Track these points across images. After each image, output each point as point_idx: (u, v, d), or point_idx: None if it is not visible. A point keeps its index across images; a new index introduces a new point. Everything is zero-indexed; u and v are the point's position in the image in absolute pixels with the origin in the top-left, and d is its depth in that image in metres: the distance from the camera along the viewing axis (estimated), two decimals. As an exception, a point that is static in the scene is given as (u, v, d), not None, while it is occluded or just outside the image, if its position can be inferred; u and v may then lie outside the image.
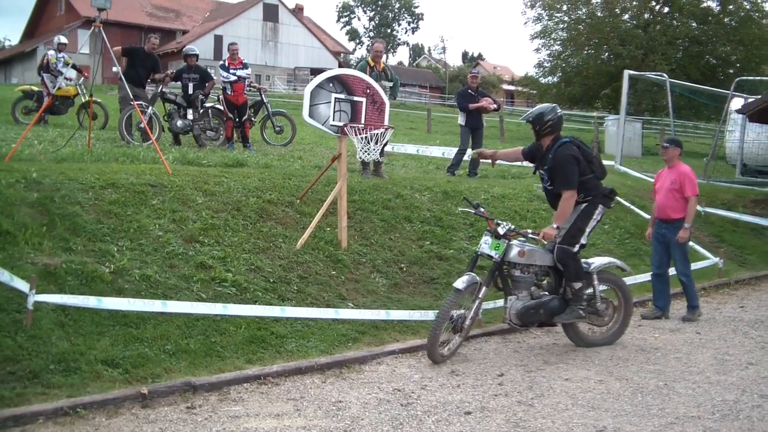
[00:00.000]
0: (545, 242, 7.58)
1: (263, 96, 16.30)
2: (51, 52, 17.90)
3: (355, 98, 9.44)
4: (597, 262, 8.10)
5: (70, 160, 10.12)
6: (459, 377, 6.88)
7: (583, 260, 7.90)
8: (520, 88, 58.88)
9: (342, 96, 9.36)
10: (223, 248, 8.40)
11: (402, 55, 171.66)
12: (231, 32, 57.62)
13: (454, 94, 66.84)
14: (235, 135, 15.22)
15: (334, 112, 9.32)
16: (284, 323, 7.53)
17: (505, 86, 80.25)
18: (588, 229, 7.75)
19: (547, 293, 7.75)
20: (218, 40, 58.14)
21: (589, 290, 7.94)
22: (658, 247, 9.86)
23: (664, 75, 21.44)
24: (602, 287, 8.15)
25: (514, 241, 7.55)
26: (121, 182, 8.95)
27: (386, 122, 9.73)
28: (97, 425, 5.35)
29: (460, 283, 7.25)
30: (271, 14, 63.49)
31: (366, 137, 9.46)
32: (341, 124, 9.30)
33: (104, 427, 5.32)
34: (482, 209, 7.86)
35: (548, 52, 45.45)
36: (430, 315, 8.20)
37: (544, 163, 7.71)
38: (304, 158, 14.02)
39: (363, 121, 9.44)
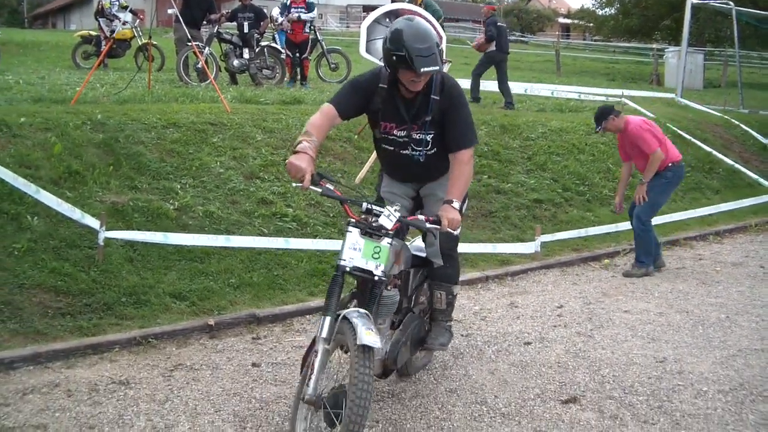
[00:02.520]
0: (454, 232, 4.68)
1: (317, 34, 16.29)
2: None
3: (412, 33, 9.36)
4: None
5: (132, 102, 10.27)
6: (518, 309, 6.94)
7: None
8: (576, 21, 57.67)
9: (398, 31, 9.29)
10: (283, 184, 8.51)
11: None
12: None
13: (508, 28, 65.81)
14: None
15: (391, 47, 9.25)
16: (344, 257, 7.64)
17: (561, 20, 78.64)
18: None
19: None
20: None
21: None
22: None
23: (730, 2, 20.79)
24: None
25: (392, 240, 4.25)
26: (182, 122, 9.08)
27: (443, 56, 9.65)
28: (168, 354, 5.56)
29: (324, 335, 4.00)
30: (323, -49, 62.81)
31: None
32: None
33: (175, 356, 5.52)
34: (330, 185, 4.22)
35: (607, -18, 44.40)
36: (489, 248, 8.26)
37: (421, 114, 4.62)
38: (360, 95, 13.99)
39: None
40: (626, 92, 17.26)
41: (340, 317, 3.97)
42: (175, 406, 4.70)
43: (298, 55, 15.14)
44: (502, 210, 9.51)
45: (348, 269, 4.12)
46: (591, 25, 50.07)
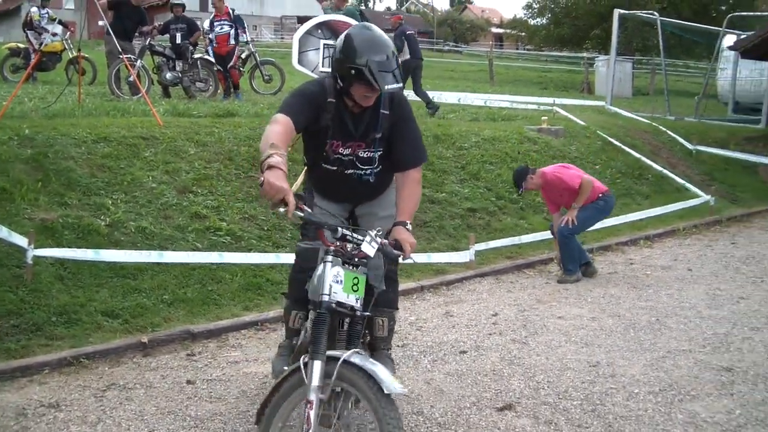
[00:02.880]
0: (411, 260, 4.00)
1: (251, 45, 16.23)
2: (34, 9, 17.84)
3: (344, 44, 9.41)
4: None
5: (62, 116, 10.06)
6: (453, 318, 7.00)
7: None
8: (509, 31, 58.46)
9: (331, 42, 9.32)
10: (216, 198, 8.45)
11: (389, 0, 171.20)
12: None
13: (442, 38, 66.38)
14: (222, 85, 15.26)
15: (324, 58, 9.30)
16: (279, 269, 7.62)
17: (494, 29, 79.66)
18: None
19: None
20: (203, -10, 57.43)
21: None
22: None
23: (655, 13, 21.38)
24: None
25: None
26: (113, 136, 8.93)
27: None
28: (100, 374, 5.46)
29: (317, 383, 3.49)
30: (256, -38, 62.57)
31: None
32: (330, 69, 9.27)
33: (108, 375, 5.44)
34: (307, 208, 3.68)
35: (537, -8, 45.25)
36: (423, 258, 8.29)
37: (370, 131, 4.23)
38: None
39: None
40: (558, 100, 17.57)
41: (340, 361, 3.46)
42: (108, 427, 4.62)
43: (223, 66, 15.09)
44: (436, 220, 9.57)
45: (331, 305, 3.64)
46: (523, 34, 50.87)
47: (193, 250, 7.45)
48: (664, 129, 16.26)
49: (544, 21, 45.52)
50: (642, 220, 10.97)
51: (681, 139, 15.75)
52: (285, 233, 8.33)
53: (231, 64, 15.17)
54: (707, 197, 12.24)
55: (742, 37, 18.22)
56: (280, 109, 3.99)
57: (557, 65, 44.94)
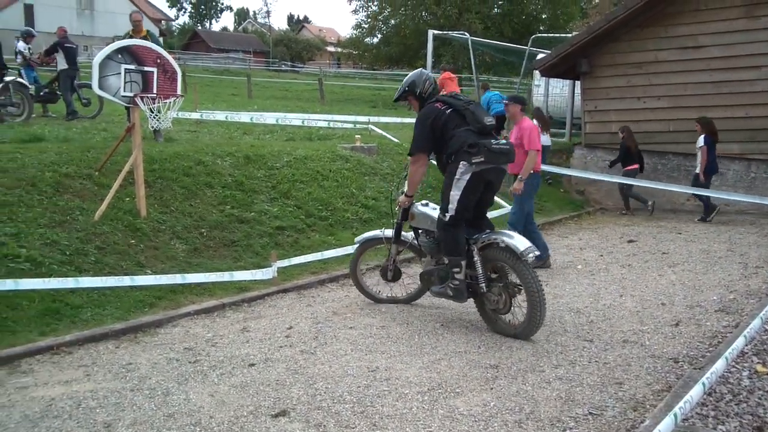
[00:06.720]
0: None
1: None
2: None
3: (146, 68, 9.55)
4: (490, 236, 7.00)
5: None
6: (249, 333, 7.22)
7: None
8: (343, 50, 59.50)
9: (132, 67, 9.44)
10: (16, 224, 8.36)
11: (227, 20, 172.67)
12: (43, 0, 55.07)
13: (277, 58, 66.62)
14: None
15: (125, 83, 9.39)
16: (80, 294, 7.65)
17: (330, 48, 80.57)
18: (455, 193, 6.86)
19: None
20: (29, 9, 55.41)
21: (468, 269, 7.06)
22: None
23: (466, 34, 22.44)
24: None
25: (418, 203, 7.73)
26: None
27: (179, 91, 9.90)
28: None
29: None
30: (85, -19, 60.92)
31: (158, 106, 9.64)
32: (131, 94, 9.39)
33: None
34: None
35: (366, 12, 46.34)
36: (226, 276, 8.50)
37: None
38: (109, 130, 13.91)
39: (155, 91, 9.58)
40: (376, 119, 18.09)
41: None
42: None
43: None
44: (244, 239, 9.79)
45: None
46: (355, 53, 51.98)
47: (-12, 278, 7.36)
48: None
49: (375, 41, 46.66)
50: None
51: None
52: (88, 257, 8.34)
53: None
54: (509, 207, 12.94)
55: (539, 57, 19.36)
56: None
57: (392, 83, 46.03)
